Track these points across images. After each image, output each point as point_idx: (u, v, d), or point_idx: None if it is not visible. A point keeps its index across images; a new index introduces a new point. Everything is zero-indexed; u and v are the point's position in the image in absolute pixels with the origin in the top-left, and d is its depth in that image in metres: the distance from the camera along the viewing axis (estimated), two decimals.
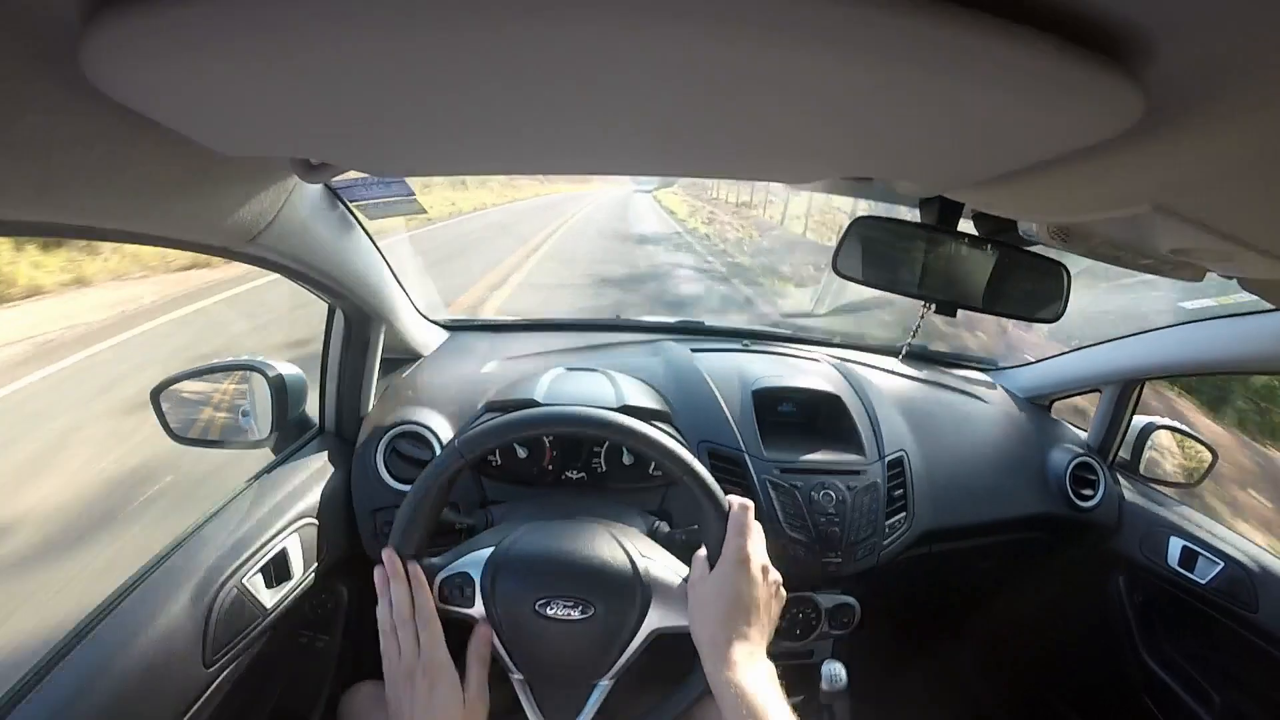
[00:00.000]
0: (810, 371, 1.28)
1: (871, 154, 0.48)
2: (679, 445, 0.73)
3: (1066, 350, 1.44)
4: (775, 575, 0.71)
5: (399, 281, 1.14)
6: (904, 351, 1.39)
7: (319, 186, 0.80)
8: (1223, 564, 1.17)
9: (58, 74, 0.35)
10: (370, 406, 1.15)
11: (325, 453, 1.07)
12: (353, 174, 0.78)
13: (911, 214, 0.81)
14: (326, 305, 1.07)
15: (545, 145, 0.47)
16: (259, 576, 0.87)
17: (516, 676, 0.76)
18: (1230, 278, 0.74)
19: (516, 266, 7.13)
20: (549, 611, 0.73)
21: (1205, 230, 0.48)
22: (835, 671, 1.03)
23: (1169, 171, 0.38)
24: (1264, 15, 0.24)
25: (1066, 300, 0.83)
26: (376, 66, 0.31)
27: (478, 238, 9.70)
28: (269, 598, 0.88)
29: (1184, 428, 1.40)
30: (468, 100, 0.37)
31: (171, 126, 0.40)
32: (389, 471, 1.06)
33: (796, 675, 1.19)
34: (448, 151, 0.50)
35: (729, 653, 0.64)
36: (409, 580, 0.73)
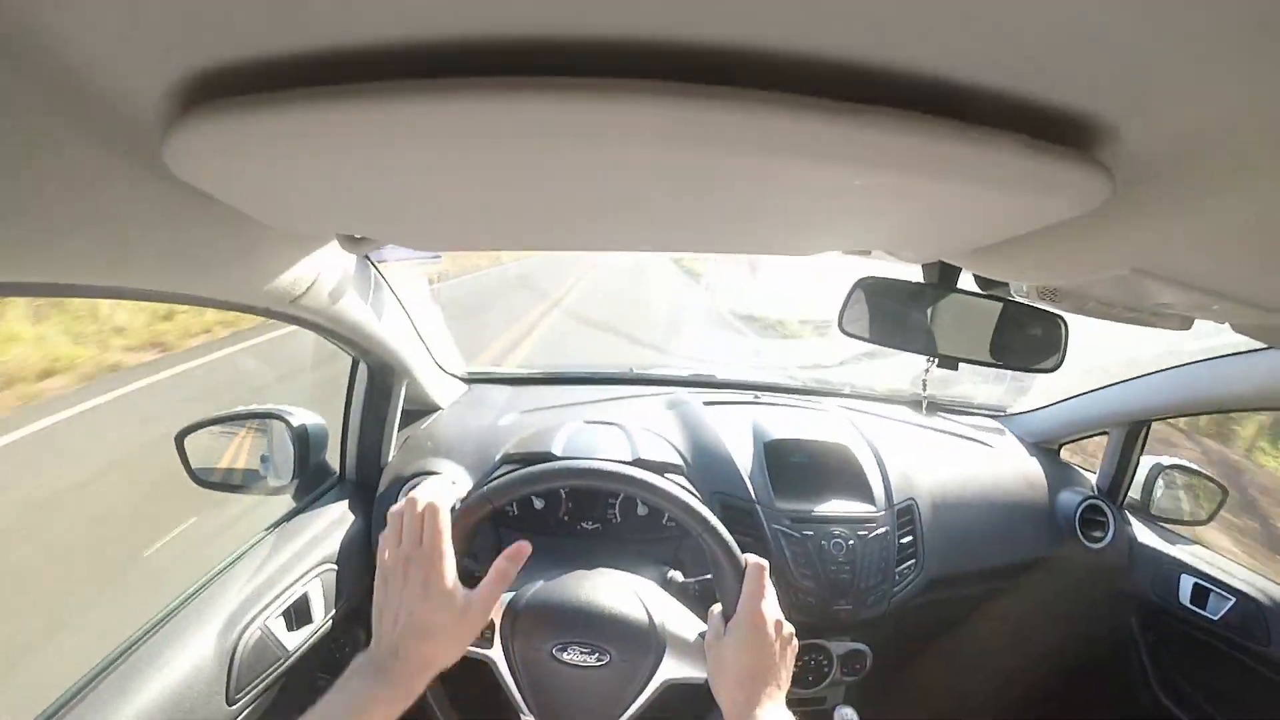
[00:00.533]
0: (820, 423, 1.30)
1: (869, 234, 0.51)
2: (696, 500, 0.75)
3: (1072, 395, 1.45)
4: (789, 628, 0.72)
5: (420, 337, 1.18)
6: (925, 406, 1.41)
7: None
8: (1234, 599, 1.17)
9: (142, 162, 0.38)
10: (390, 456, 1.17)
11: (345, 501, 1.10)
12: None
13: (912, 271, 0.84)
14: (350, 359, 1.11)
15: (570, 227, 0.51)
16: (281, 619, 0.90)
17: (528, 719, 0.77)
18: (1220, 323, 0.76)
19: (534, 325, 7.10)
20: (565, 656, 0.75)
21: (1185, 287, 0.51)
22: (848, 716, 1.03)
23: (1144, 237, 0.41)
24: (1212, 95, 0.26)
25: (1064, 351, 0.85)
26: (425, 165, 0.34)
27: (496, 291, 9.65)
28: (290, 640, 0.91)
29: (1193, 466, 1.40)
30: (499, 190, 0.40)
31: (240, 208, 0.44)
32: None
33: None
34: (476, 230, 0.54)
35: (751, 709, 0.66)
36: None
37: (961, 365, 0.85)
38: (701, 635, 0.76)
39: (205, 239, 0.53)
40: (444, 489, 0.74)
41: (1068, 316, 0.84)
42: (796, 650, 0.73)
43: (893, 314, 0.82)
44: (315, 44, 0.26)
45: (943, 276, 0.80)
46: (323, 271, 0.74)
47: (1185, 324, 0.74)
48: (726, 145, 0.29)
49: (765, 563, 0.73)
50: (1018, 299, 0.82)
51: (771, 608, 0.71)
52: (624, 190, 0.40)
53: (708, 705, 0.73)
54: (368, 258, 0.90)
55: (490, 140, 0.30)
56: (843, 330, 0.80)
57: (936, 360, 0.83)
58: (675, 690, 0.75)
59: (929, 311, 0.84)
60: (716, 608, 0.75)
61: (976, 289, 0.83)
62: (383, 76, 0.26)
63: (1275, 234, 0.37)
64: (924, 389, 1.11)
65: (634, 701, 0.75)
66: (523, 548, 0.69)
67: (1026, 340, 0.85)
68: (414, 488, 1.11)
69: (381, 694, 0.60)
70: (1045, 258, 0.51)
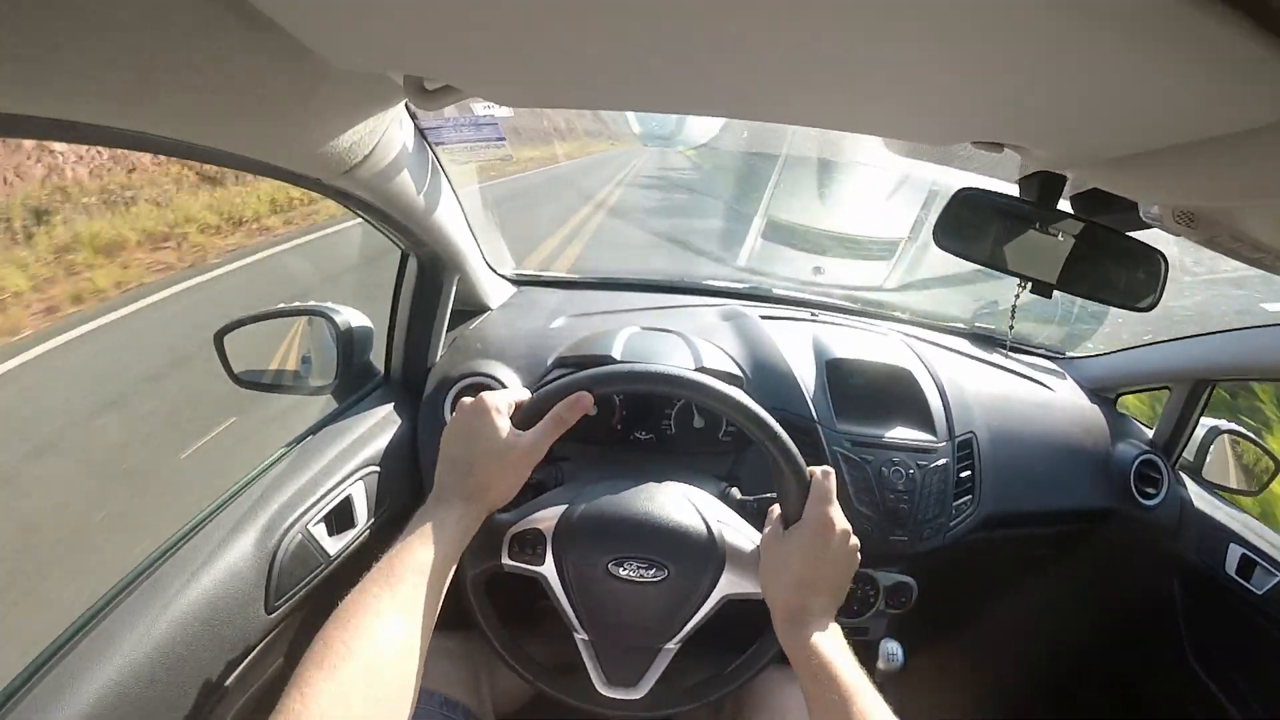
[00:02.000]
0: (882, 345, 1.26)
1: (1019, 118, 0.46)
2: (763, 410, 0.72)
3: (1138, 344, 1.40)
4: (855, 541, 0.70)
5: (473, 232, 1.14)
6: (1009, 342, 1.37)
7: (411, 128, 0.79)
8: None
9: None
10: (438, 357, 1.15)
11: (391, 403, 1.08)
12: (447, 112, 0.77)
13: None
14: (399, 253, 1.07)
15: (679, 82, 0.46)
16: (322, 524, 0.88)
17: (581, 636, 0.76)
18: None
19: (583, 223, 7.36)
20: (621, 572, 0.72)
21: None
22: (893, 650, 1.02)
23: None
24: None
25: (1162, 289, 0.80)
26: None
27: (544, 192, 10.08)
28: (332, 545, 0.89)
29: (1250, 434, 1.36)
30: (604, 28, 0.36)
31: (291, 29, 0.39)
32: None
33: (854, 653, 1.19)
34: (575, 82, 0.49)
35: (805, 615, 0.64)
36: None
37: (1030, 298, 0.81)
38: (759, 547, 0.74)
39: (253, 78, 0.47)
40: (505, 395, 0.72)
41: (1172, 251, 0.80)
42: (858, 566, 0.70)
43: (988, 231, 0.76)
44: None
45: (1043, 194, 0.75)
46: (380, 142, 0.69)
47: None
48: None
49: (832, 470, 0.71)
50: (1121, 228, 0.77)
51: (839, 516, 0.68)
52: (760, 39, 0.35)
53: (767, 620, 0.72)
54: (425, 139, 0.84)
55: None
56: (938, 243, 0.75)
57: (1030, 285, 0.79)
58: (733, 605, 0.73)
59: (1024, 233, 0.79)
60: (776, 508, 0.73)
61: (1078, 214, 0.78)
62: None
63: None
64: (1012, 315, 1.05)
65: (692, 617, 0.73)
66: (584, 398, 0.69)
67: (1122, 274, 0.80)
68: (462, 391, 1.08)
69: (442, 520, 0.62)
70: (1201, 175, 0.46)
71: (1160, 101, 0.35)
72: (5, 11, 0.30)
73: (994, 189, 0.77)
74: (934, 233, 0.75)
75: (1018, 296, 0.82)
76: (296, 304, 1.13)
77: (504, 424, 0.68)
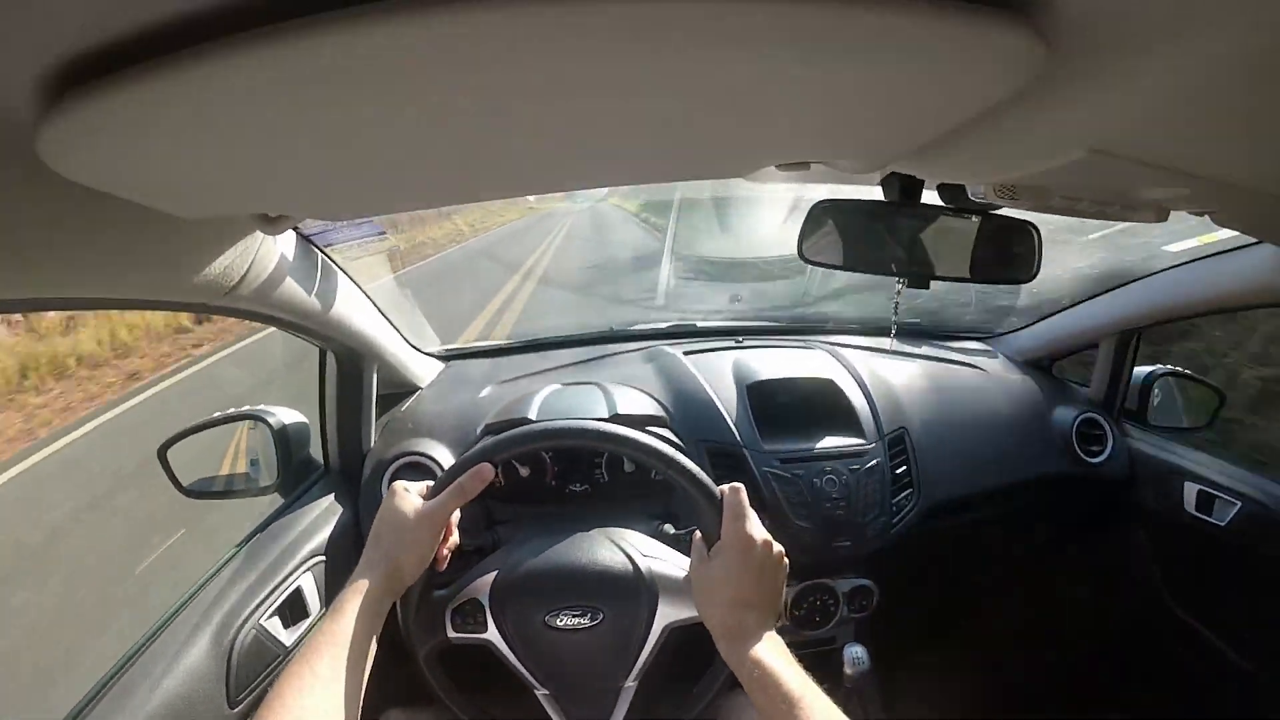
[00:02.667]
0: (804, 360, 1.29)
1: (800, 139, 0.49)
2: (661, 443, 0.74)
3: (1059, 309, 1.43)
4: (778, 548, 0.70)
5: (387, 319, 1.16)
6: (893, 332, 1.39)
7: (293, 237, 0.82)
8: (1240, 503, 1.16)
9: (16, 163, 0.36)
10: (371, 442, 1.16)
11: (332, 493, 1.09)
12: (320, 221, 0.80)
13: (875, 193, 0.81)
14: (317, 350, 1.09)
15: (485, 171, 0.49)
16: (276, 617, 0.89)
17: (541, 692, 0.77)
18: (1200, 214, 0.74)
19: (513, 295, 7.09)
20: (559, 623, 0.74)
21: (1148, 167, 0.48)
22: (857, 654, 1.03)
23: (1094, 113, 0.39)
24: None
25: (1039, 259, 0.83)
26: (326, 120, 0.32)
27: (466, 269, 9.71)
28: (287, 636, 0.90)
29: (1187, 371, 1.38)
30: (412, 139, 0.38)
31: (132, 199, 0.41)
32: None
33: (819, 662, 1.19)
34: (394, 189, 0.51)
35: (741, 631, 0.65)
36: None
37: (936, 289, 0.83)
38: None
39: (113, 237, 0.50)
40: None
41: (1040, 226, 0.82)
42: (787, 572, 0.71)
43: (856, 236, 0.79)
44: (165, 9, 0.24)
45: (903, 191, 0.78)
46: (256, 259, 0.71)
47: (1161, 215, 0.71)
48: (662, 39, 0.27)
49: (740, 485, 0.72)
50: (986, 208, 0.80)
51: (757, 528, 0.69)
52: (536, 119, 0.37)
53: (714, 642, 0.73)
54: (310, 241, 0.87)
55: (379, 73, 0.28)
56: (803, 258, 0.78)
57: (905, 281, 0.81)
58: (682, 632, 0.74)
59: (893, 232, 0.81)
60: (699, 534, 0.73)
61: (940, 204, 0.81)
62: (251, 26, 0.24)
63: (1226, 98, 0.35)
64: (895, 312, 1.08)
65: (640, 653, 0.74)
66: (483, 469, 0.72)
67: (998, 252, 0.83)
68: (397, 472, 1.10)
69: (353, 589, 0.64)
70: (994, 147, 0.49)
71: (912, 97, 0.37)
72: None
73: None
74: (799, 248, 0.78)
75: (899, 293, 0.84)
76: (231, 410, 1.14)
77: (411, 500, 0.71)
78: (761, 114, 0.41)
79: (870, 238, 0.79)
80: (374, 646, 0.63)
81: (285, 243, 0.79)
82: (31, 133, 0.30)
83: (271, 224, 0.56)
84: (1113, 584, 1.42)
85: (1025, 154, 0.50)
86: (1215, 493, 1.19)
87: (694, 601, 0.71)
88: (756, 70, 0.32)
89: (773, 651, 0.63)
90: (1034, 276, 0.84)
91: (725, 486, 0.72)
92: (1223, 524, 1.18)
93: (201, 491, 1.14)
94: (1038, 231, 0.82)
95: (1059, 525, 1.37)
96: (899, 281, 0.82)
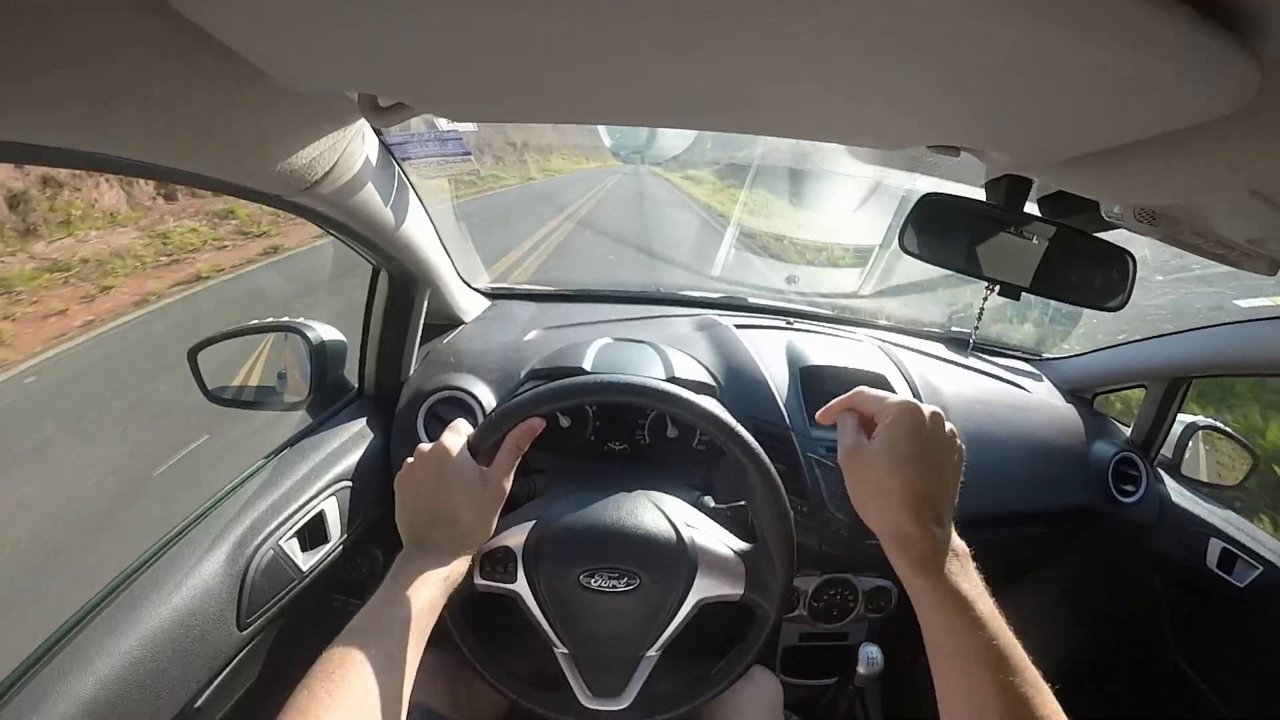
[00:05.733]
0: (856, 352, 1.26)
1: (973, 120, 0.46)
2: (735, 422, 0.72)
3: (1112, 344, 1.40)
4: (951, 426, 0.58)
5: (444, 246, 1.13)
6: (972, 341, 1.36)
7: (375, 142, 0.79)
8: (1262, 568, 1.15)
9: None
10: (411, 371, 1.14)
11: (364, 417, 1.07)
12: (412, 127, 0.77)
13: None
14: (370, 269, 1.06)
15: (635, 94, 0.46)
16: (295, 539, 0.88)
17: (561, 651, 0.75)
18: None
19: (558, 227, 8.00)
20: (593, 584, 0.72)
21: None
22: (873, 654, 1.02)
23: (1273, 156, 0.38)
24: None
25: (1131, 289, 0.80)
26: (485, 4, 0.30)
27: (524, 206, 10.88)
28: (305, 560, 0.88)
29: (1228, 429, 1.37)
30: (557, 43, 0.35)
31: (244, 53, 0.39)
32: (429, 437, 1.06)
33: (832, 657, 1.19)
34: (530, 97, 0.48)
35: (931, 547, 0.53)
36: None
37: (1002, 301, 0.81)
38: (735, 551, 0.74)
39: (209, 101, 0.47)
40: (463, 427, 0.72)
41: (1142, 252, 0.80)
42: (962, 469, 0.59)
43: (954, 236, 0.77)
44: None
45: (1010, 196, 0.75)
46: (341, 158, 0.68)
47: (1273, 268, 0.69)
48: None
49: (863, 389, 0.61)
50: (1089, 229, 0.78)
51: (922, 404, 0.57)
52: (713, 48, 0.35)
53: (745, 621, 0.71)
54: (391, 154, 0.84)
55: None
56: (903, 248, 0.76)
57: (997, 288, 0.79)
58: (711, 609, 0.73)
59: (991, 236, 0.79)
60: (851, 419, 0.61)
61: (1040, 216, 0.78)
62: None
63: None
64: (979, 319, 1.05)
65: (669, 624, 0.73)
66: (534, 424, 0.69)
67: (1091, 275, 0.81)
68: (435, 405, 1.07)
69: (431, 572, 0.60)
70: (1161, 169, 0.46)
71: (1110, 100, 0.35)
72: None
73: (961, 194, 0.77)
74: (900, 239, 0.75)
75: (985, 299, 0.82)
76: (270, 320, 1.12)
77: (470, 464, 0.67)
78: (947, 83, 0.38)
79: (973, 239, 0.76)
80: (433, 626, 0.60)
81: (370, 146, 0.76)
82: None
83: (380, 114, 0.52)
84: (1124, 626, 1.41)
85: (1188, 183, 0.48)
86: (1239, 553, 1.18)
87: (851, 495, 0.59)
88: (964, 33, 0.29)
89: (975, 582, 0.52)
90: (1124, 306, 0.82)
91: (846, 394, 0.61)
92: (1241, 585, 1.17)
93: (227, 399, 1.12)
94: (1134, 261, 0.80)
95: (1081, 558, 1.36)
96: (988, 288, 0.79)
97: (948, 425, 0.57)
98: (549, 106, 0.53)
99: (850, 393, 0.60)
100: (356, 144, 0.69)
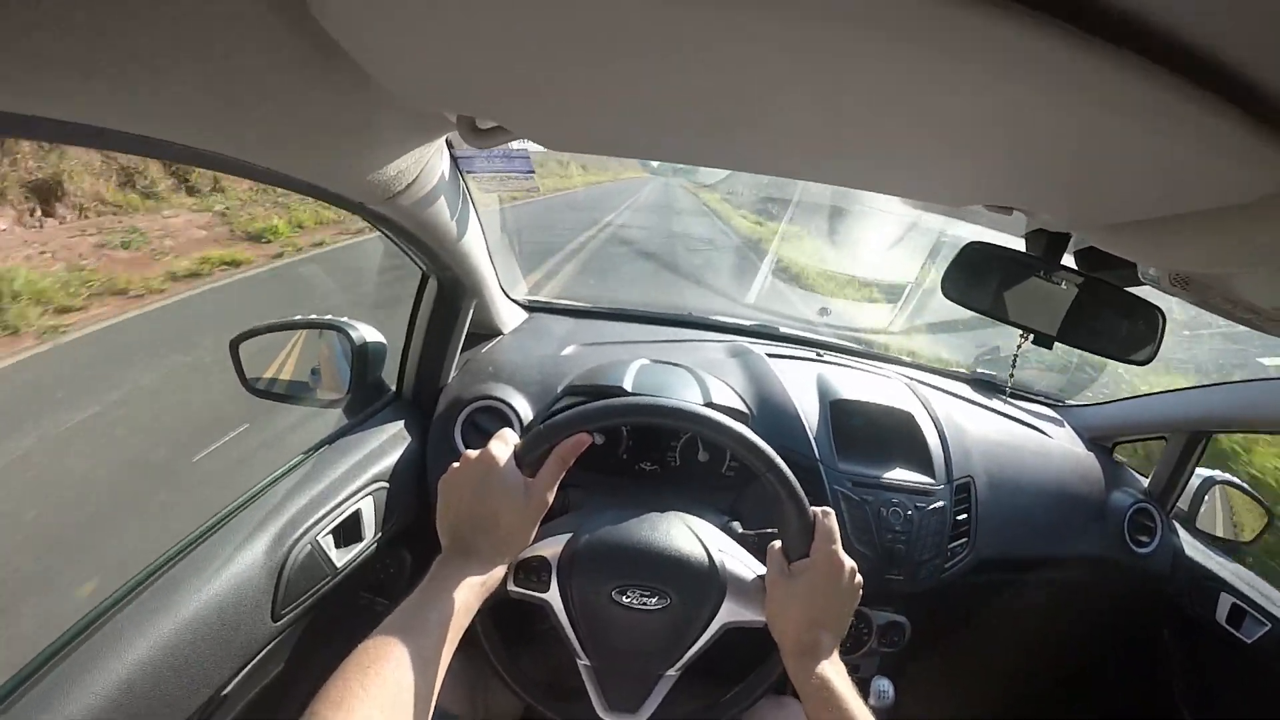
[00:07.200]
0: (885, 387, 1.28)
1: (1031, 186, 0.49)
2: (769, 447, 0.74)
3: (1135, 395, 1.42)
4: (859, 579, 0.72)
5: (490, 258, 1.16)
6: (1008, 388, 1.39)
7: (447, 156, 0.81)
8: (1270, 625, 1.15)
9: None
10: (450, 378, 1.16)
11: (401, 420, 1.09)
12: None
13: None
14: (420, 274, 1.09)
15: (717, 139, 0.49)
16: (331, 536, 0.89)
17: (584, 662, 0.77)
18: None
19: (593, 236, 8.40)
20: (625, 600, 0.73)
21: None
22: (884, 688, 1.03)
23: None
24: None
25: (1160, 343, 0.82)
26: (585, 30, 0.32)
27: (559, 213, 11.69)
28: (339, 557, 0.90)
29: (1245, 485, 1.37)
30: (656, 81, 0.38)
31: (360, 60, 0.40)
32: (465, 444, 1.08)
33: None
34: (621, 131, 0.51)
35: (815, 649, 0.65)
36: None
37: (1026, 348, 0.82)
38: (760, 577, 0.75)
39: (314, 109, 0.49)
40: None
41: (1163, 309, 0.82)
42: (859, 600, 0.72)
43: (1001, 284, 0.79)
44: None
45: (1048, 250, 0.77)
46: (425, 169, 0.71)
47: None
48: (928, 45, 0.27)
49: (833, 511, 0.73)
50: (1122, 284, 0.80)
51: (845, 555, 0.71)
52: (776, 109, 0.38)
53: (765, 648, 0.73)
54: (458, 167, 0.87)
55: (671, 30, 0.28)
56: (945, 293, 0.78)
57: (1031, 337, 0.81)
58: (731, 634, 0.74)
59: (1029, 285, 0.81)
60: (777, 544, 0.74)
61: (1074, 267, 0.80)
62: None
63: None
64: (1014, 365, 1.07)
65: (693, 644, 0.74)
66: (582, 439, 0.70)
67: (1121, 328, 0.83)
68: (473, 414, 1.10)
69: (470, 578, 0.62)
70: (1205, 241, 0.48)
71: (1156, 177, 0.38)
72: (66, 26, 0.31)
73: (1000, 243, 0.80)
74: (942, 283, 0.77)
75: (1020, 346, 0.84)
76: (313, 316, 1.14)
77: (516, 475, 0.68)
78: (1016, 160, 0.41)
79: (1010, 286, 0.78)
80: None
81: (444, 163, 0.78)
82: None
83: (477, 135, 0.55)
84: (1131, 675, 1.42)
85: (1229, 254, 0.50)
86: (1248, 609, 1.19)
87: (766, 611, 0.72)
88: (1039, 111, 0.32)
89: (840, 675, 0.64)
90: (1152, 360, 0.84)
91: (817, 509, 0.73)
92: (1249, 641, 1.17)
93: (266, 391, 1.14)
94: (1164, 317, 0.82)
95: (1092, 605, 1.37)
96: (1022, 336, 0.81)
97: (858, 577, 0.71)
98: (639, 142, 0.55)
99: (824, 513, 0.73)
100: (436, 159, 0.72)
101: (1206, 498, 1.34)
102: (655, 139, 0.53)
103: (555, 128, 0.54)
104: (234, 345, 1.09)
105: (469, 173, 0.89)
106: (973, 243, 0.77)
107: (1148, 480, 1.38)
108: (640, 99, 0.42)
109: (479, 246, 1.06)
